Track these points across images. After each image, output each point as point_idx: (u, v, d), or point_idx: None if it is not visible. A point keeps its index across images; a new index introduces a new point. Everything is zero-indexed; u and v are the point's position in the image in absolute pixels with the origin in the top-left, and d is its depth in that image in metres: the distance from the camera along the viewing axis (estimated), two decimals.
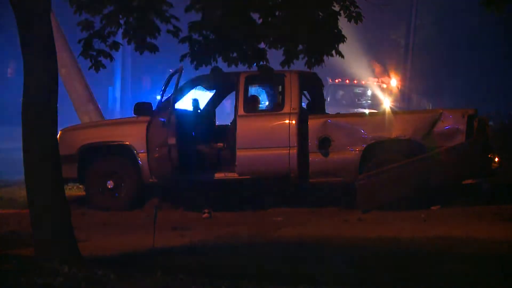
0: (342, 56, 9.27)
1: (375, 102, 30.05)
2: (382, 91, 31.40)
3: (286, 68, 9.34)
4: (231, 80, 12.86)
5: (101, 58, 9.07)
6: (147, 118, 12.51)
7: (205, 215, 11.98)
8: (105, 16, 8.84)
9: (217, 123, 14.47)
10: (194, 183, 12.68)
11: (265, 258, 8.10)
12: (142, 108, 12.59)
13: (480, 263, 7.57)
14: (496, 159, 12.17)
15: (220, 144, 13.32)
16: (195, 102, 13.64)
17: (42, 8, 7.57)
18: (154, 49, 9.07)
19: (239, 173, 12.44)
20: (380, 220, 10.80)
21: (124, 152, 12.74)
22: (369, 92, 30.90)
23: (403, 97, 35.09)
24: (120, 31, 8.99)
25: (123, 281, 6.74)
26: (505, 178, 12.65)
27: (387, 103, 29.50)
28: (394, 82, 35.21)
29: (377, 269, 7.44)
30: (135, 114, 12.70)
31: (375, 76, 34.69)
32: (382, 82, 33.31)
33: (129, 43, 9.08)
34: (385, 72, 36.42)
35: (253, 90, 12.91)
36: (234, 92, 12.99)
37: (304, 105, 13.05)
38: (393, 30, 37.51)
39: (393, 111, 17.07)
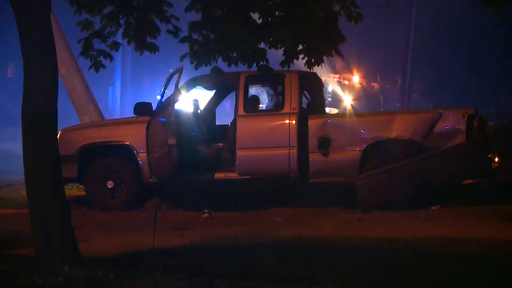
0: (342, 56, 9.28)
1: (335, 100, 29.65)
2: (343, 88, 30.89)
3: (286, 68, 9.34)
4: (231, 80, 12.86)
5: (101, 58, 9.08)
6: (147, 118, 12.52)
7: (205, 215, 11.98)
8: (105, 16, 8.85)
9: (217, 123, 14.47)
10: (194, 183, 12.68)
11: (265, 258, 8.10)
12: (142, 108, 12.58)
13: (480, 263, 7.57)
14: (496, 159, 12.17)
15: (220, 144, 13.32)
16: (195, 102, 13.64)
17: (42, 8, 7.57)
18: (154, 49, 9.08)
19: (239, 173, 12.44)
20: (380, 220, 10.80)
21: (124, 152, 12.75)
22: (329, 89, 30.44)
23: (366, 94, 34.62)
24: (120, 31, 9.00)
25: (123, 281, 6.74)
26: (505, 178, 12.64)
27: (348, 101, 29.00)
28: (356, 78, 34.50)
29: (377, 269, 7.44)
30: (135, 114, 12.70)
31: (337, 72, 34.05)
32: (344, 79, 32.75)
33: (129, 43, 9.09)
34: (348, 68, 35.73)
35: (253, 90, 12.91)
36: (234, 92, 13.00)
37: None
38: (393, 30, 37.44)
39: (356, 111, 16.94)
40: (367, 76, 36.47)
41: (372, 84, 37.48)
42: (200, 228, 10.76)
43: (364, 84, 35.63)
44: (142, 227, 10.66)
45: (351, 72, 35.00)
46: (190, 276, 6.84)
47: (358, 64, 35.47)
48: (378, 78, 37.87)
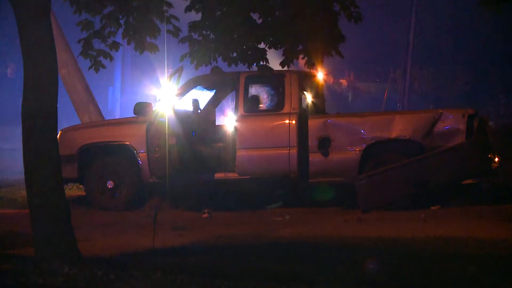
0: (342, 56, 9.28)
1: None
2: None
3: (286, 68, 9.33)
4: (231, 80, 12.87)
5: (101, 58, 9.08)
6: (147, 118, 12.52)
7: (205, 215, 11.98)
8: (105, 16, 8.85)
9: (217, 123, 14.47)
10: (194, 183, 12.68)
11: (265, 258, 8.10)
12: (142, 108, 12.58)
13: (480, 263, 7.57)
14: (496, 159, 12.17)
15: (220, 144, 13.33)
16: (195, 102, 13.64)
17: (42, 8, 7.57)
18: (154, 49, 9.08)
19: (239, 173, 12.44)
20: (380, 220, 10.81)
21: (124, 152, 12.75)
22: None
23: (332, 92, 34.20)
24: (120, 31, 9.00)
25: (123, 281, 6.74)
26: (505, 178, 12.64)
27: (308, 99, 28.69)
28: (320, 75, 34.18)
29: (377, 269, 7.44)
30: (135, 114, 12.70)
31: (299, 68, 33.54)
32: None
33: (129, 43, 9.09)
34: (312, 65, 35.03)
35: (253, 90, 12.91)
36: (234, 92, 13.00)
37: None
38: (393, 30, 37.37)
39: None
40: (335, 73, 36.01)
41: (341, 80, 37.12)
42: (200, 228, 10.76)
43: (331, 81, 35.21)
44: (142, 227, 10.65)
45: (315, 69, 34.50)
46: (190, 276, 6.84)
47: (324, 60, 34.75)
48: (348, 77, 37.33)
